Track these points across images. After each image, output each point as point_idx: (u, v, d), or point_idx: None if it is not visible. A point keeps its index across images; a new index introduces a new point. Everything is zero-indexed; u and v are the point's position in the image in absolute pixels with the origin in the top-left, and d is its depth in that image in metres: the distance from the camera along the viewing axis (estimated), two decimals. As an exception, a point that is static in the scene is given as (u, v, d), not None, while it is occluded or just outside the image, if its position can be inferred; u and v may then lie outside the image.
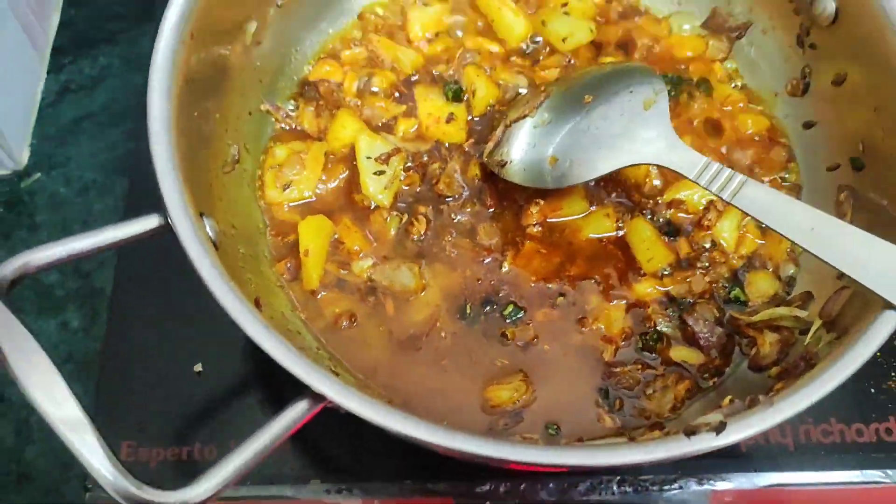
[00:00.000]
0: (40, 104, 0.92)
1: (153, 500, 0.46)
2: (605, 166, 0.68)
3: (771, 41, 0.78)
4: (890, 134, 0.65)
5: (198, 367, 0.72)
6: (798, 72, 0.76)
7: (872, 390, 0.73)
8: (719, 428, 0.51)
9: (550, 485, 0.68)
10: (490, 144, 0.74)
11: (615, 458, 0.50)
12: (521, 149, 0.71)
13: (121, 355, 0.73)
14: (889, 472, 0.70)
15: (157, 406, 0.71)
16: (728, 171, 0.62)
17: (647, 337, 0.69)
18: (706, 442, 0.51)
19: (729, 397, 0.56)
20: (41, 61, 0.94)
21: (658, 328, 0.69)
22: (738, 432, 0.51)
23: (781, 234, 0.60)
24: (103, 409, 0.71)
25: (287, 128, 0.78)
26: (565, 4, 0.83)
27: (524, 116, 0.72)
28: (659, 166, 0.68)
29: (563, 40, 0.82)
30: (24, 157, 0.89)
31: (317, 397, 0.51)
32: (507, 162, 0.71)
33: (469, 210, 0.74)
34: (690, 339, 0.68)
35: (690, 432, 0.51)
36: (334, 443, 0.69)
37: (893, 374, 0.74)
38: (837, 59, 0.72)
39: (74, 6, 0.98)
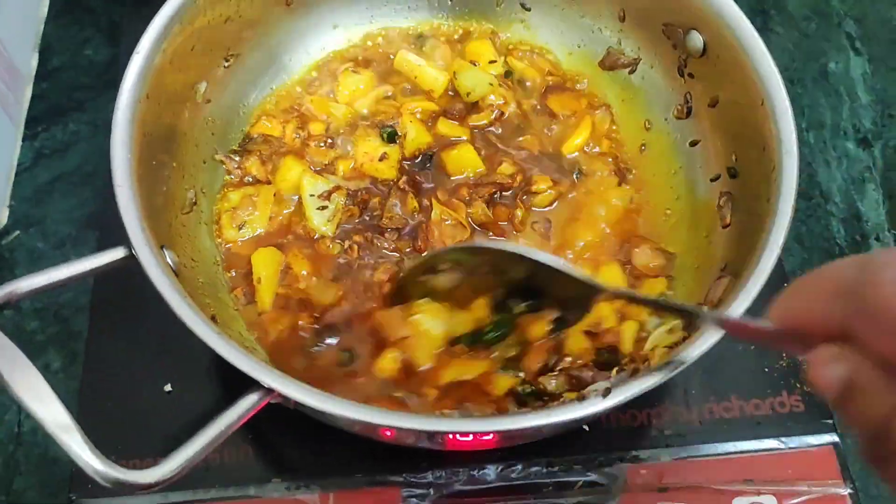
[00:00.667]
0: (17, 168, 1.01)
1: (130, 479, 0.54)
2: None
3: (656, 73, 0.90)
4: (752, 145, 0.76)
5: (167, 388, 0.80)
6: (682, 98, 0.87)
7: (766, 369, 0.83)
8: (605, 393, 0.60)
9: (488, 469, 0.77)
10: None
11: (517, 423, 0.59)
12: None
13: (98, 383, 0.82)
14: (783, 439, 0.79)
15: (132, 424, 0.79)
16: None
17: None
18: (595, 406, 0.60)
19: (616, 368, 0.66)
20: (16, 131, 1.03)
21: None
22: (621, 395, 0.60)
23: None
24: (85, 428, 0.78)
25: (237, 175, 0.88)
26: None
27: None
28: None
29: (468, 94, 0.92)
30: (3, 217, 0.97)
31: (265, 390, 0.60)
32: None
33: (394, 247, 0.83)
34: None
35: (581, 398, 0.60)
36: (292, 445, 0.78)
37: (784, 354, 0.84)
38: (710, 85, 0.83)
39: (45, 80, 1.07)
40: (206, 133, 0.86)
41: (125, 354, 0.83)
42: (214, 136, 0.87)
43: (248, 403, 0.59)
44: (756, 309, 0.62)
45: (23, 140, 1.03)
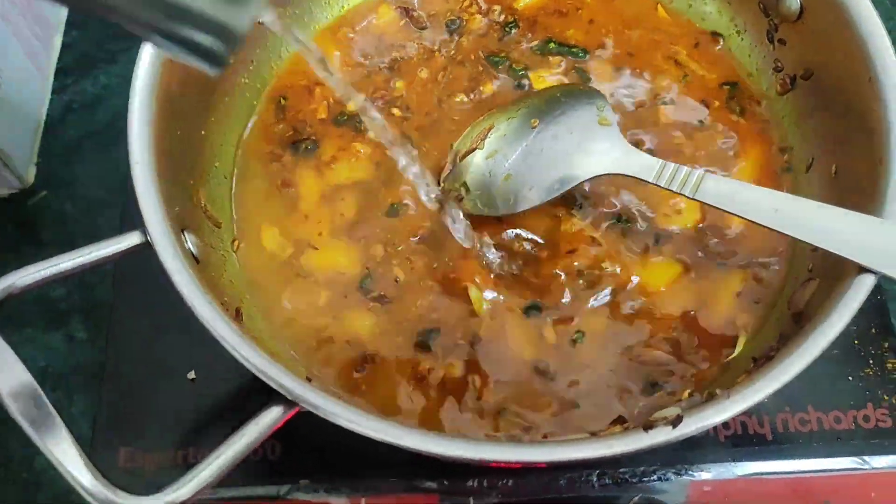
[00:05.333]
0: (45, 124, 0.96)
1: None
2: (564, 184, 0.69)
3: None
4: (854, 128, 0.66)
5: (191, 375, 0.75)
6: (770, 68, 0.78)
7: (850, 378, 0.74)
8: (676, 421, 0.52)
9: (533, 480, 0.70)
10: (444, 175, 0.75)
11: (574, 453, 0.52)
12: (476, 181, 0.72)
13: (120, 366, 0.76)
14: (866, 458, 0.71)
15: (154, 413, 0.74)
16: (686, 169, 0.64)
17: None
18: (663, 435, 0.52)
19: (688, 390, 0.58)
20: (45, 83, 0.97)
21: None
22: (693, 424, 0.53)
23: (748, 219, 0.62)
24: (104, 418, 0.74)
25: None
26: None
27: (473, 150, 0.73)
28: (617, 175, 0.69)
29: None
30: (30, 175, 0.92)
31: (289, 402, 0.53)
32: (463, 196, 0.72)
33: None
34: None
35: (648, 426, 0.53)
36: (323, 443, 0.72)
37: (871, 361, 0.75)
38: (804, 54, 0.74)
39: (76, 28, 1.01)
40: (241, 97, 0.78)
41: (148, 337, 0.77)
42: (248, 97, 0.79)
43: (270, 418, 0.53)
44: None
45: (51, 93, 0.97)
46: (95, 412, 0.75)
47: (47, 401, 0.53)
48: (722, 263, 0.71)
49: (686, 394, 0.59)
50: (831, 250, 0.57)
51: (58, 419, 0.52)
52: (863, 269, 0.57)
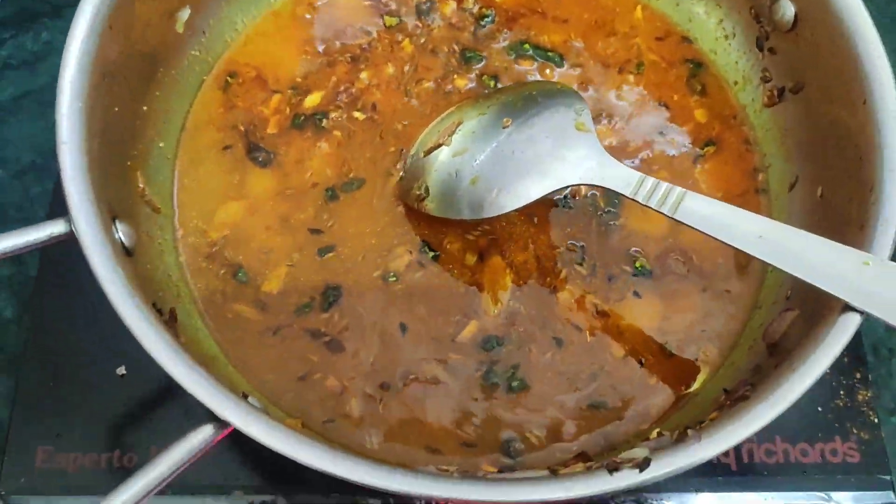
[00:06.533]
0: (-23, 82, 0.89)
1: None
2: (535, 191, 0.63)
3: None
4: (842, 152, 0.62)
5: (121, 371, 0.69)
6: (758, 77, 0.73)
7: (819, 408, 0.71)
8: (643, 465, 0.48)
9: (483, 500, 0.66)
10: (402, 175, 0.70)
11: (532, 494, 0.48)
12: (440, 180, 0.67)
13: (42, 354, 0.70)
14: (832, 493, 0.68)
15: (78, 409, 0.68)
16: (666, 186, 0.59)
17: None
18: (628, 479, 0.48)
19: (657, 430, 0.54)
20: (-21, 37, 0.90)
21: None
22: (661, 469, 0.49)
23: (729, 245, 0.57)
24: (21, 409, 0.68)
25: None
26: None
27: (439, 145, 0.68)
28: (592, 186, 0.65)
29: None
30: (-43, 136, 0.85)
31: (222, 422, 0.48)
32: (425, 196, 0.67)
33: None
34: None
35: (613, 468, 0.49)
36: (261, 452, 0.67)
37: (842, 392, 0.72)
38: (795, 68, 0.69)
39: (17, -23, 0.93)
40: (190, 70, 0.71)
41: (77, 319, 0.71)
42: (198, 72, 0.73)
43: (200, 439, 0.48)
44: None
45: (-14, 49, 0.90)
46: (11, 406, 0.69)
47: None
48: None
49: (654, 433, 0.55)
50: (817, 285, 0.53)
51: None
52: (848, 307, 0.53)
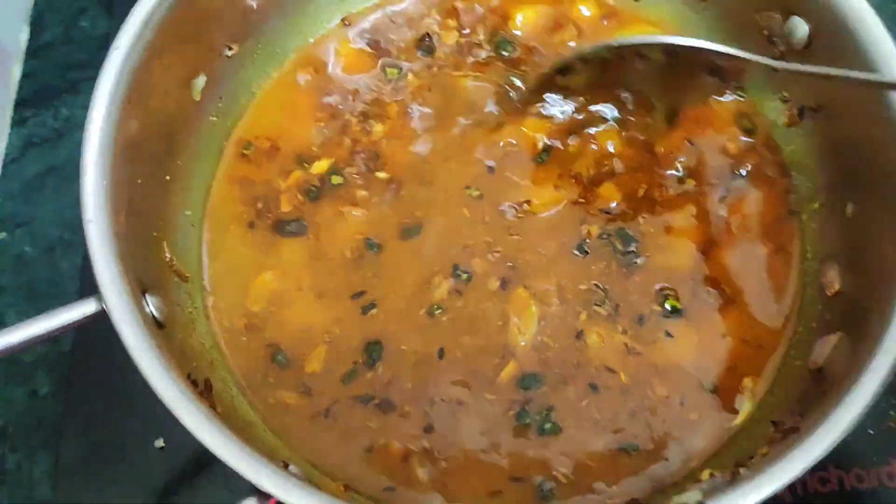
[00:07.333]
0: (4, 160, 0.90)
1: None
2: None
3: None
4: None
5: (159, 443, 0.69)
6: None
7: (870, 430, 0.69)
8: (698, 508, 0.47)
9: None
10: None
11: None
12: None
13: (81, 428, 0.70)
14: (892, 521, 0.66)
15: (118, 483, 0.68)
16: None
17: None
18: (682, 524, 0.47)
19: (709, 471, 0.53)
20: (3, 115, 0.91)
21: None
22: (717, 512, 0.47)
23: None
24: (64, 487, 0.68)
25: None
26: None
27: None
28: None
29: None
30: (-13, 217, 0.86)
31: (264, 494, 0.48)
32: None
33: None
34: None
35: (666, 511, 0.47)
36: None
37: (892, 411, 0.70)
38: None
39: (36, 57, 0.95)
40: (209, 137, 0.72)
41: (113, 393, 0.71)
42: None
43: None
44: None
45: (10, 127, 0.91)
46: (54, 483, 0.69)
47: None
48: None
49: (706, 473, 0.53)
50: None
51: None
52: None
